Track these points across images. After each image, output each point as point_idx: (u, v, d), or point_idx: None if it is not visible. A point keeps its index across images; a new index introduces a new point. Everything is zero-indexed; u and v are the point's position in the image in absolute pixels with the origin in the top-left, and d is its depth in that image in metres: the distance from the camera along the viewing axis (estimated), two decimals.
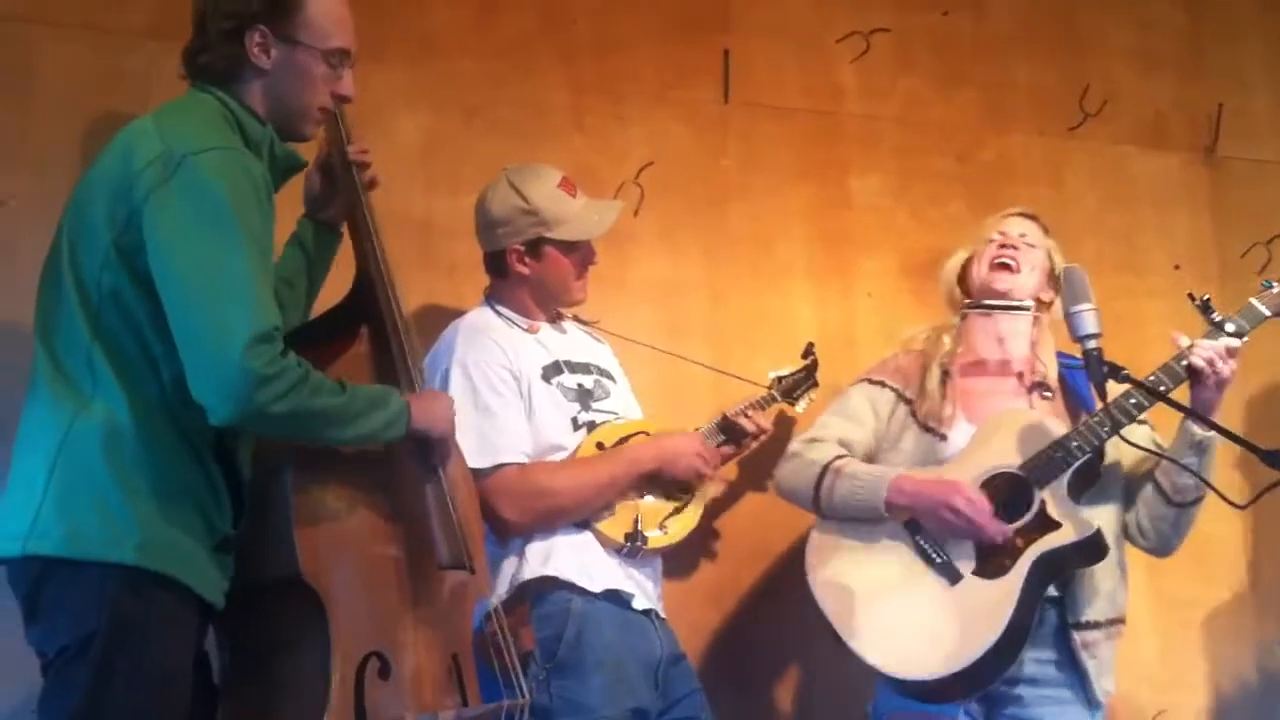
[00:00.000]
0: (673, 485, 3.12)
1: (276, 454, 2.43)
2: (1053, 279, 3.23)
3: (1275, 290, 3.04)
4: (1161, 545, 3.14)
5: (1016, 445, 3.03)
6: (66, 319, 2.34)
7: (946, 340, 3.26)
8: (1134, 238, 4.19)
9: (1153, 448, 3.04)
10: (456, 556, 2.53)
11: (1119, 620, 3.09)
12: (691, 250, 3.81)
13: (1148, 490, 3.08)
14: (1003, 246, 3.24)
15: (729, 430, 3.34)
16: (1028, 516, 2.96)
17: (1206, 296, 3.01)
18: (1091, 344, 2.80)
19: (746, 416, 3.36)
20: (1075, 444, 2.97)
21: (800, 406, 3.56)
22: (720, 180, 3.88)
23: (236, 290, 2.23)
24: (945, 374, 3.21)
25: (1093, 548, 2.95)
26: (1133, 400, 2.94)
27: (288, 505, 2.41)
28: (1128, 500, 3.13)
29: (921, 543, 3.03)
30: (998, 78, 4.19)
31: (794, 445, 3.24)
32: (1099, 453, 3.01)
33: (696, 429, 3.30)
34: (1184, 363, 2.96)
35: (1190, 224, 4.24)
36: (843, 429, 3.23)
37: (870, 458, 3.21)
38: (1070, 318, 2.85)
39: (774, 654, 3.64)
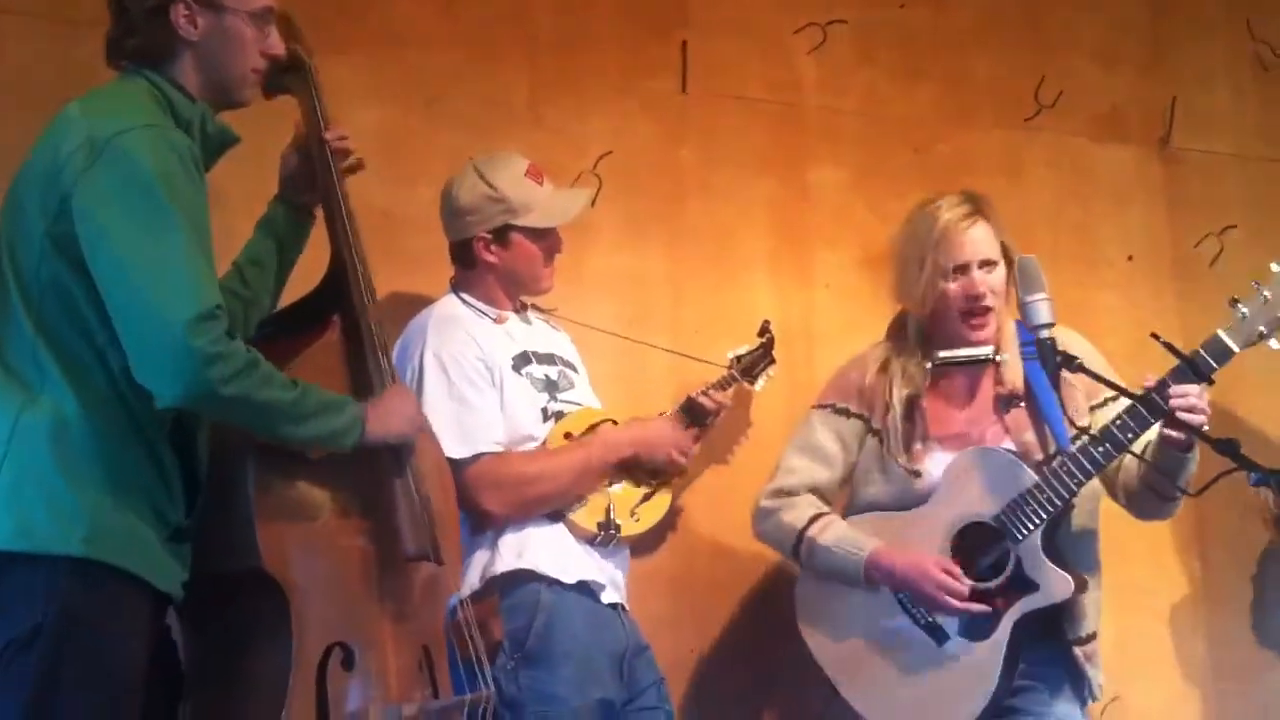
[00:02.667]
0: (646, 471, 3.14)
1: (239, 446, 2.41)
2: (1010, 266, 3.10)
3: (1246, 316, 2.85)
4: (1156, 518, 3.17)
5: (988, 490, 2.99)
6: (10, 315, 2.32)
7: (912, 371, 3.14)
8: (1089, 229, 4.23)
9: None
10: (423, 548, 2.52)
11: (1095, 634, 3.10)
12: (651, 241, 3.82)
13: (1135, 484, 3.06)
14: (970, 297, 3.07)
15: (692, 411, 3.37)
16: (1003, 577, 2.96)
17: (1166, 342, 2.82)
18: (1045, 334, 2.81)
19: (707, 396, 3.39)
20: (1046, 495, 2.92)
21: (759, 384, 3.59)
22: (679, 172, 3.89)
23: (174, 269, 2.21)
24: (913, 407, 3.12)
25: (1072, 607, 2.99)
26: (1101, 449, 2.88)
27: (249, 498, 2.39)
28: (1116, 487, 3.11)
29: (906, 603, 3.04)
30: (957, 71, 4.21)
31: (765, 501, 3.19)
32: (1069, 503, 2.96)
33: (662, 414, 3.32)
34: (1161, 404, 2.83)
35: (1144, 216, 4.29)
36: (811, 473, 3.18)
37: (843, 487, 3.23)
38: (1024, 307, 2.86)
39: (732, 643, 3.66)
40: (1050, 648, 3.03)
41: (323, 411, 2.38)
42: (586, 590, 2.98)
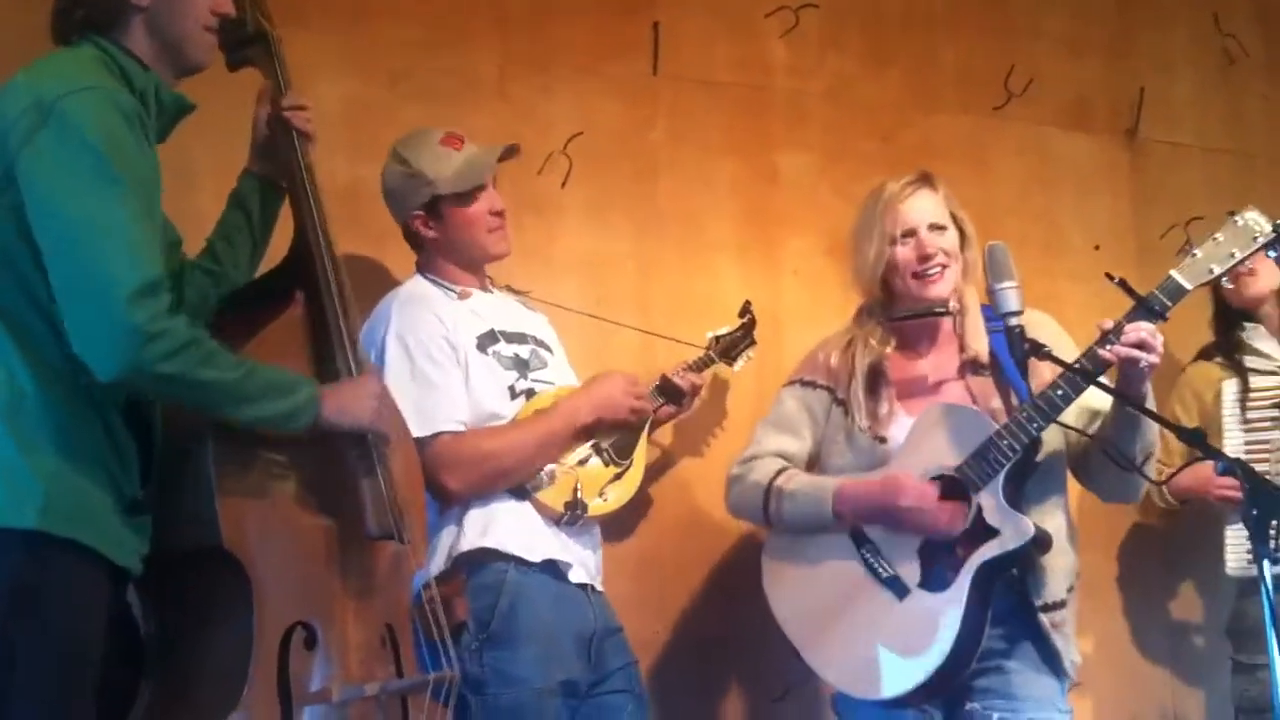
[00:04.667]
0: (614, 438, 3.12)
1: (199, 422, 2.37)
2: (963, 236, 3.12)
3: (1198, 256, 2.88)
4: (1123, 499, 3.21)
5: (952, 442, 2.96)
6: None
7: (874, 342, 3.14)
8: (1055, 218, 4.25)
9: (1084, 428, 3.01)
10: (385, 527, 2.49)
11: (1073, 587, 3.05)
12: (619, 223, 3.80)
13: (1098, 459, 3.01)
14: (925, 256, 3.07)
15: (667, 391, 3.37)
16: (966, 525, 2.91)
17: (1120, 278, 2.89)
18: (1014, 320, 2.80)
19: (682, 376, 3.40)
20: (1006, 442, 2.89)
21: (738, 365, 3.60)
22: (649, 153, 3.88)
23: (117, 238, 2.17)
24: (877, 373, 3.12)
25: (1035, 546, 2.91)
26: (1059, 392, 2.86)
27: (209, 475, 2.36)
28: (1080, 467, 3.09)
29: (867, 557, 3.00)
30: (925, 57, 4.22)
31: (734, 469, 3.19)
32: (1031, 448, 2.93)
33: None
34: (1109, 346, 2.86)
35: (1110, 205, 4.31)
36: (778, 442, 3.17)
37: (812, 464, 3.18)
38: (993, 294, 2.85)
39: (702, 625, 3.66)
40: (1018, 618, 2.97)
41: (270, 393, 2.33)
42: (553, 569, 2.96)
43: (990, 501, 2.90)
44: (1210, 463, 3.37)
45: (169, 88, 2.44)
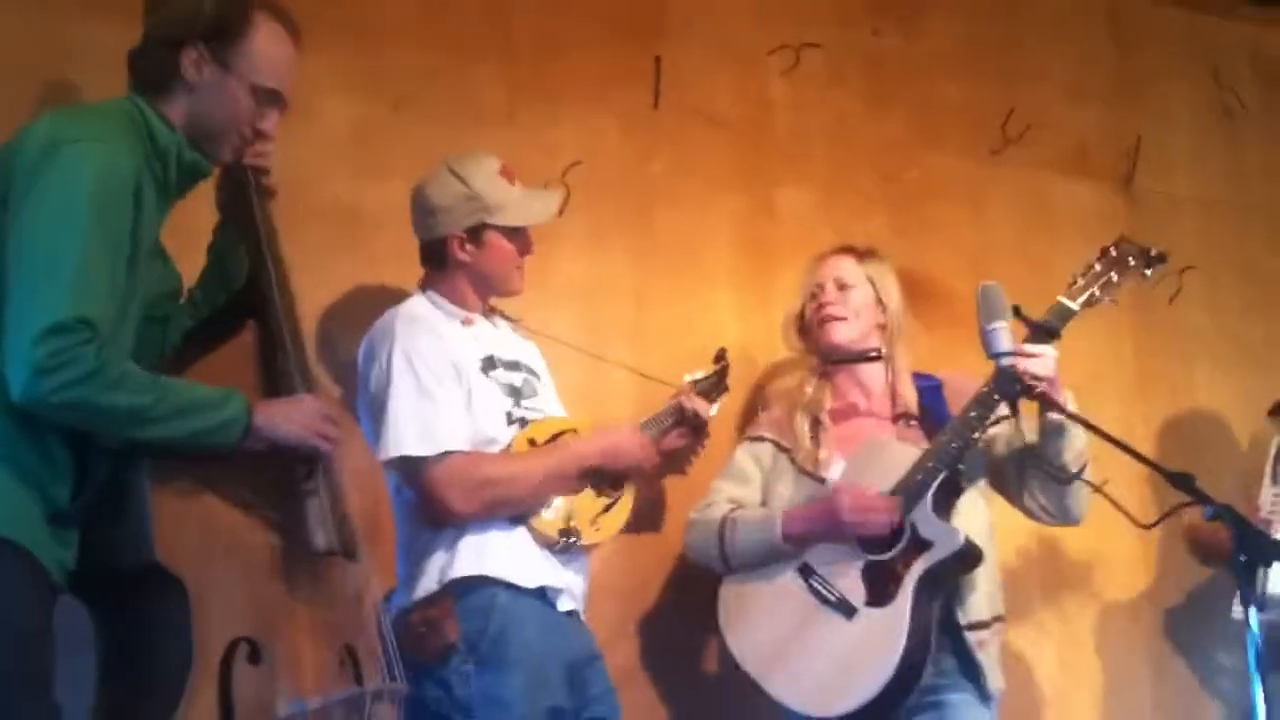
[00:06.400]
0: (610, 479, 3.13)
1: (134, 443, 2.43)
2: (881, 305, 3.41)
3: (1079, 284, 3.21)
4: (1065, 516, 3.29)
5: (885, 472, 3.15)
6: None
7: (809, 389, 3.43)
8: (1050, 263, 4.23)
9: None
10: (331, 544, 2.52)
11: (1001, 618, 3.24)
12: (617, 252, 3.82)
13: (1032, 476, 3.23)
14: (821, 305, 3.39)
15: (694, 423, 3.41)
16: (903, 542, 3.09)
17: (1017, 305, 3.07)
18: (1005, 361, 2.88)
19: (705, 407, 3.43)
20: (931, 464, 3.10)
21: (712, 410, 3.58)
22: (648, 185, 3.90)
23: (59, 275, 2.25)
24: (815, 420, 3.37)
25: (966, 556, 3.09)
26: (973, 414, 3.09)
27: (145, 492, 2.42)
28: (1012, 489, 3.29)
29: (815, 585, 3.15)
30: (926, 99, 4.25)
31: (692, 515, 3.38)
32: (955, 468, 3.14)
33: (643, 421, 3.32)
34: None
35: None
36: (731, 490, 3.37)
37: (762, 507, 3.35)
38: (984, 335, 2.90)
39: (686, 651, 3.66)
40: (948, 637, 3.13)
41: (189, 411, 2.37)
42: (543, 596, 2.96)
43: (923, 516, 3.09)
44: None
45: (190, 150, 2.53)
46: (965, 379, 3.26)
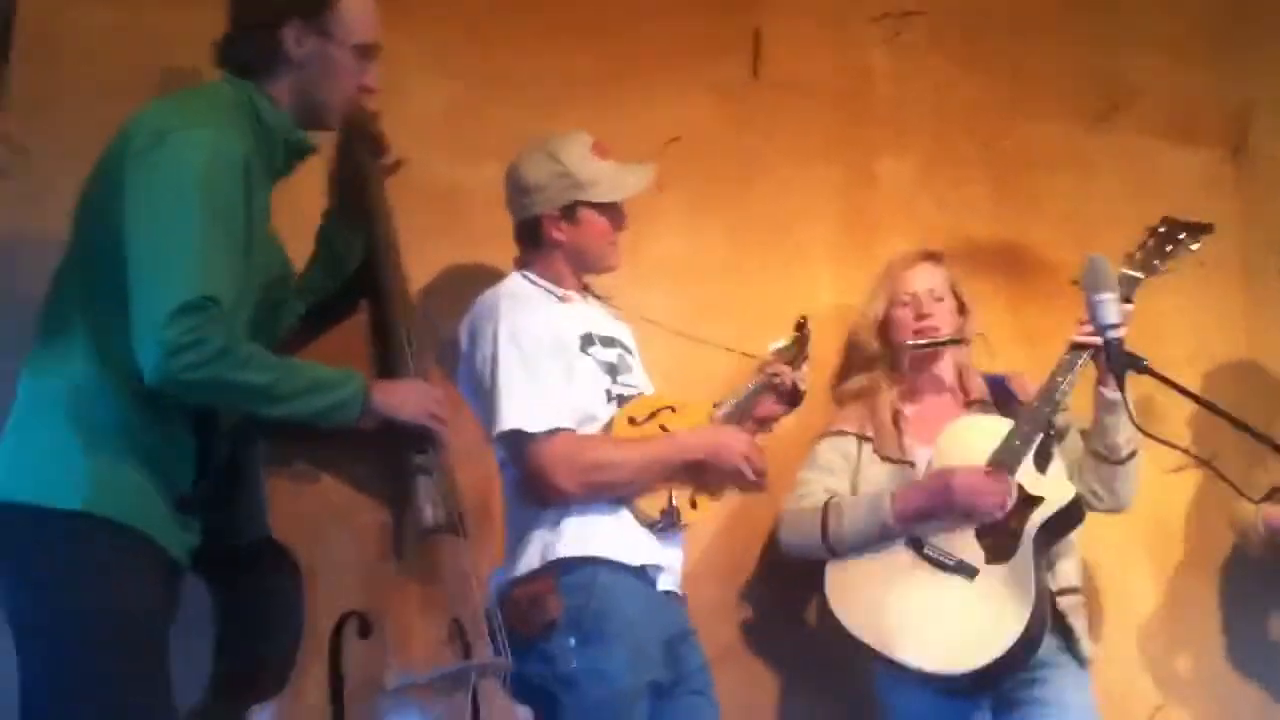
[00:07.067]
0: (710, 477, 3.10)
1: (250, 424, 2.50)
2: (963, 309, 3.51)
3: (1137, 256, 3.36)
4: (1116, 501, 3.39)
5: (977, 447, 3.24)
6: (67, 278, 2.44)
7: (884, 384, 3.52)
8: None
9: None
10: (440, 521, 2.55)
11: (1080, 589, 3.33)
12: (713, 228, 3.80)
13: (1087, 461, 3.37)
14: (919, 318, 3.47)
15: (789, 395, 3.33)
16: (1012, 503, 3.18)
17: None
18: (1113, 333, 2.83)
19: (802, 378, 3.35)
20: (1027, 428, 3.22)
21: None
22: (745, 158, 3.86)
23: (179, 257, 2.29)
24: (895, 411, 3.47)
25: (1076, 510, 3.23)
26: (1059, 378, 3.25)
27: (259, 470, 2.48)
28: (1073, 477, 3.36)
29: (930, 554, 3.21)
30: (1028, 64, 4.18)
31: (786, 506, 3.43)
32: (1049, 430, 3.28)
33: (718, 403, 3.27)
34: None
35: (1215, 221, 4.21)
36: (822, 480, 3.42)
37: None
38: (1092, 306, 2.85)
39: (779, 629, 3.65)
40: None
41: (312, 389, 2.43)
42: (644, 575, 2.98)
43: (1028, 475, 3.21)
44: None
45: (296, 129, 2.58)
46: (1028, 380, 3.41)
